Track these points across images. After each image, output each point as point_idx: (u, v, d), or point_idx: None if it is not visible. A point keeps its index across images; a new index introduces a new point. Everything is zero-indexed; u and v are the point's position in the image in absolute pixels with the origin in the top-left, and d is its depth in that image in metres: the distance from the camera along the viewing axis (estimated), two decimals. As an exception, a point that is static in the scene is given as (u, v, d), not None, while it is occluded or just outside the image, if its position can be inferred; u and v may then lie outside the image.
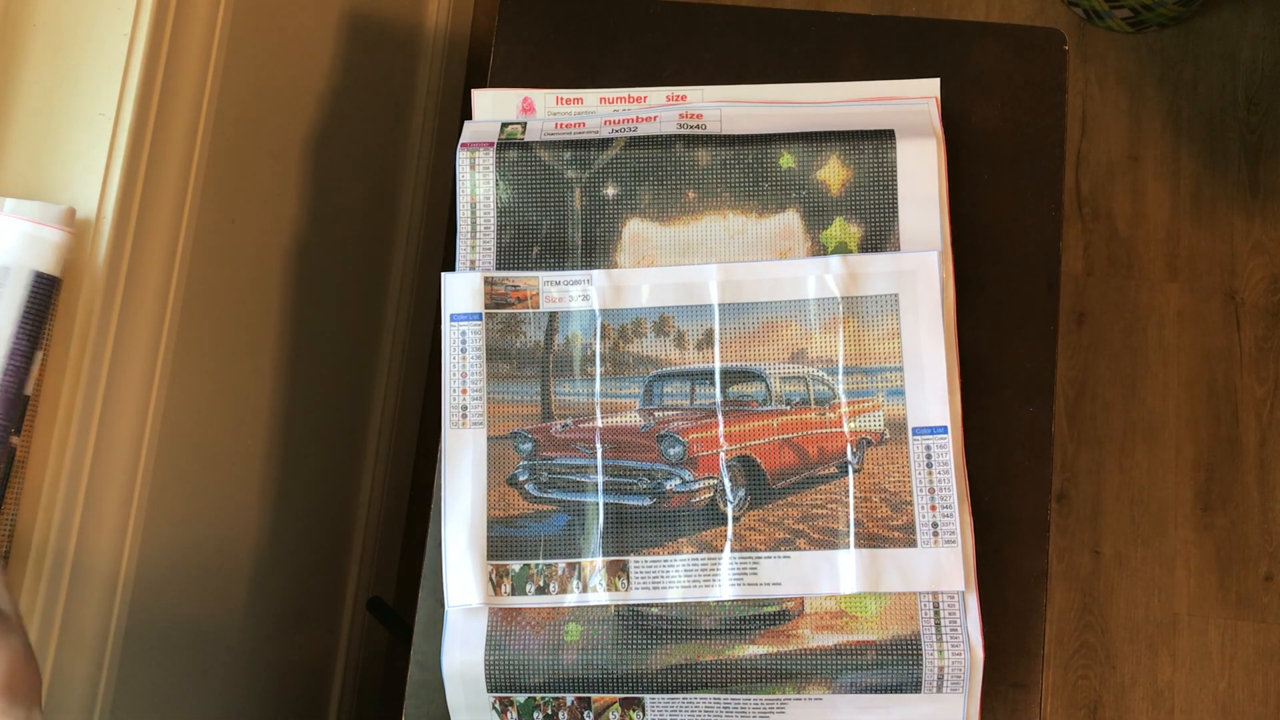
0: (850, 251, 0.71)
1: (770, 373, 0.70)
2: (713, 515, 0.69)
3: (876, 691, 0.67)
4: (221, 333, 0.88)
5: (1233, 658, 1.37)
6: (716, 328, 0.70)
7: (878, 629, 0.67)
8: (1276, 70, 1.49)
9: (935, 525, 0.67)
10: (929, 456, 0.68)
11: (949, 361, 0.69)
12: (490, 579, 0.69)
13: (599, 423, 0.70)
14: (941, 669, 0.66)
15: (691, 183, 0.72)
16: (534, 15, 0.78)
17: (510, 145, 0.72)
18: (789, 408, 0.69)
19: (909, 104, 0.73)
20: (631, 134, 0.73)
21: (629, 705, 0.68)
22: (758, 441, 0.69)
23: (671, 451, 0.69)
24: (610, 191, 0.72)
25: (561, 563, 0.69)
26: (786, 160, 0.72)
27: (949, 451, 0.68)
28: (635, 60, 0.77)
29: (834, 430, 0.69)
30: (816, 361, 0.70)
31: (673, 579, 0.68)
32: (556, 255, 0.72)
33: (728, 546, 0.68)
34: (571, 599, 0.68)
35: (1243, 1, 1.51)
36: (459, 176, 0.72)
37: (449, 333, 0.71)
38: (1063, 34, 0.77)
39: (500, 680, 0.68)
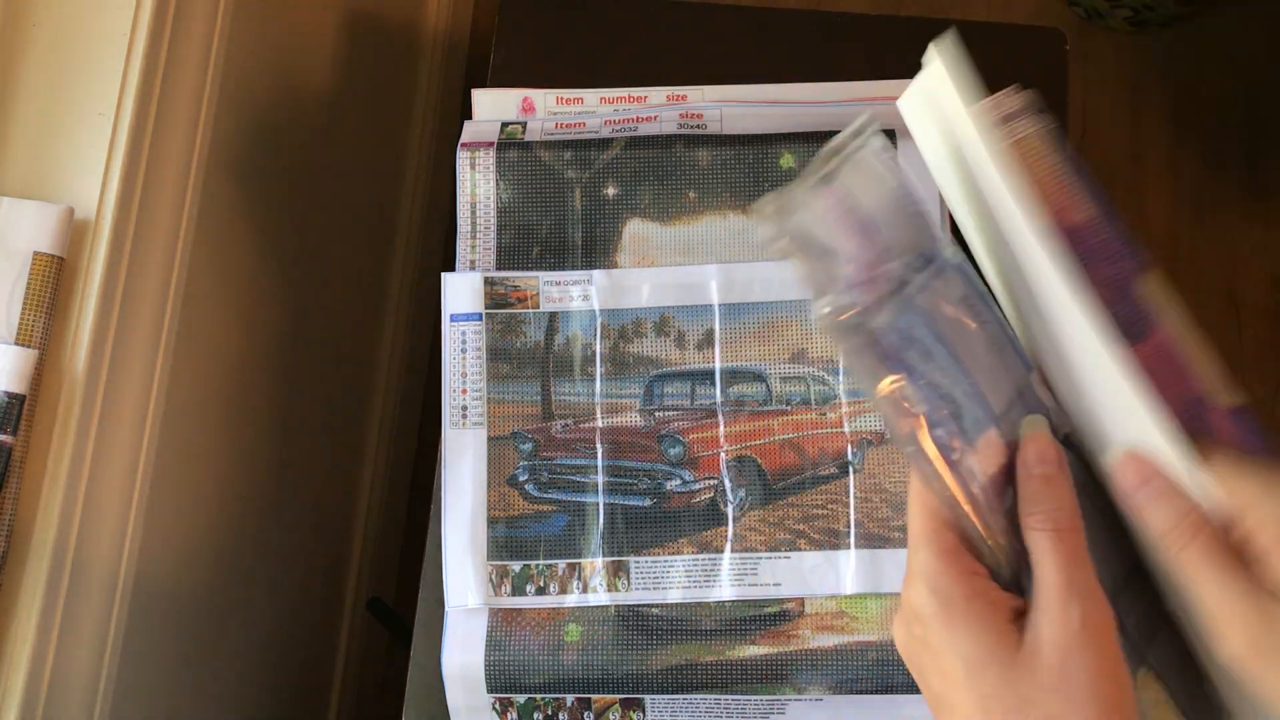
0: (851, 251, 0.70)
1: (771, 373, 0.70)
2: (713, 515, 0.69)
3: (877, 692, 0.67)
4: (221, 332, 0.88)
5: (1233, 658, 1.36)
6: (717, 328, 0.70)
7: (878, 630, 0.67)
8: (1276, 70, 1.49)
9: (936, 525, 0.67)
10: (929, 457, 0.68)
11: (949, 362, 0.69)
12: (490, 579, 0.69)
13: (599, 423, 0.70)
14: (942, 669, 0.66)
15: (692, 182, 0.72)
16: (534, 15, 0.78)
17: (510, 145, 0.72)
18: (789, 408, 0.69)
19: (909, 104, 0.73)
20: (632, 134, 0.73)
21: (629, 706, 0.68)
22: (758, 442, 0.69)
23: (672, 452, 0.69)
24: (610, 191, 0.72)
25: (561, 563, 0.69)
26: (787, 160, 0.71)
27: (949, 452, 0.68)
28: (635, 60, 0.77)
29: (835, 430, 0.69)
30: (817, 362, 0.70)
31: (673, 579, 0.68)
32: (557, 255, 0.72)
33: (728, 547, 0.68)
34: (571, 599, 0.68)
35: (1243, 1, 1.51)
36: (459, 176, 0.72)
37: (449, 333, 0.71)
38: (1063, 33, 0.76)
39: (500, 681, 0.68)
